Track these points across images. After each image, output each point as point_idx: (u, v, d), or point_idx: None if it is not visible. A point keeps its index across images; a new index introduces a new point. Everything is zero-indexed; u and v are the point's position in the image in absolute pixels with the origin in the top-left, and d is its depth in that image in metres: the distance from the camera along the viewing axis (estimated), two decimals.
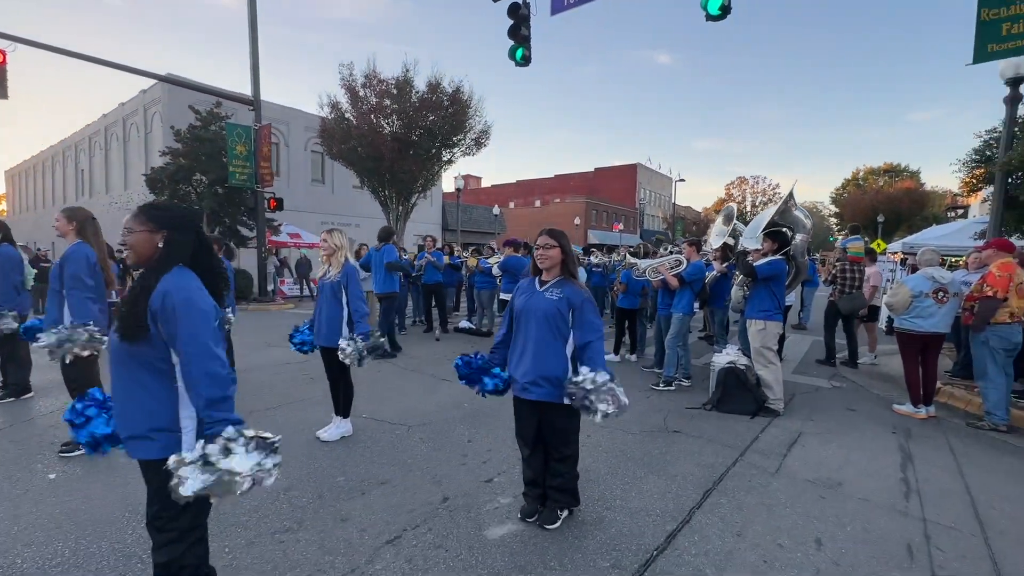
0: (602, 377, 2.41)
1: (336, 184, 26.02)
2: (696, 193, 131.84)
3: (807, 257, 4.99)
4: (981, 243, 8.66)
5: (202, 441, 1.51)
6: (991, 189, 8.40)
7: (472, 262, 9.48)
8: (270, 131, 14.63)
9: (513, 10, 8.48)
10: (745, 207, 57.43)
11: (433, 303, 9.41)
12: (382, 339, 3.68)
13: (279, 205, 14.60)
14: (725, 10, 6.53)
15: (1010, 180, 7.86)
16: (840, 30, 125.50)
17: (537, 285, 2.65)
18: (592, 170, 53.92)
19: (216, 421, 1.53)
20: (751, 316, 4.89)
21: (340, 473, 3.29)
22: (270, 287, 15.32)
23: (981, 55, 5.49)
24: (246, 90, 14.26)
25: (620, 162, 53.46)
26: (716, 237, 6.18)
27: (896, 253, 12.66)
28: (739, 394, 4.88)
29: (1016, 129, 7.79)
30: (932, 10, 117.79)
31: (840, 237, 45.61)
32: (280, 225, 18.05)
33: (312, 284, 18.33)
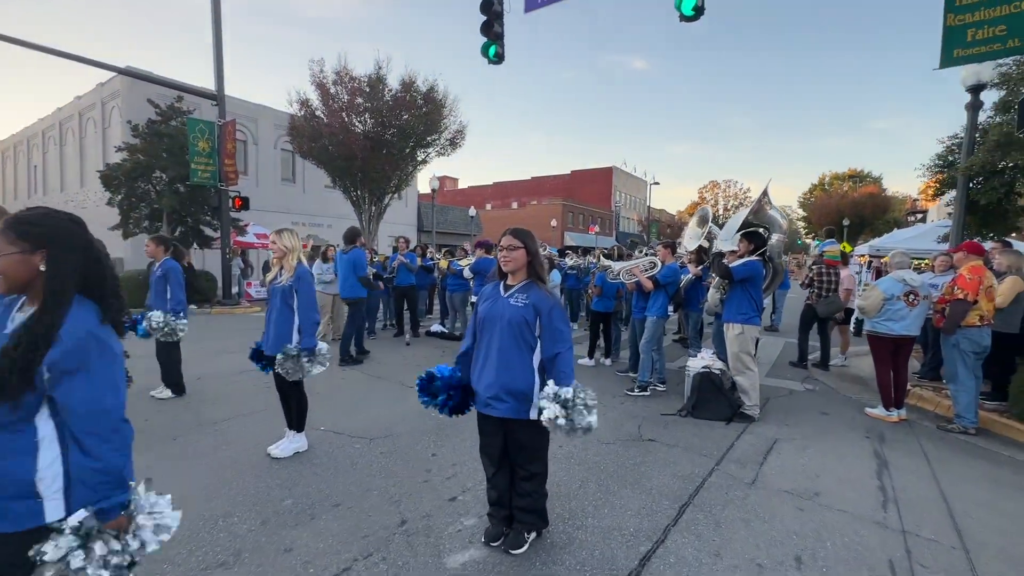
0: (568, 394, 2.22)
1: (307, 183, 25.33)
2: (670, 196, 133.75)
3: (782, 259, 4.91)
4: (946, 246, 8.87)
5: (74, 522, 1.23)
6: (954, 193, 8.61)
7: (444, 264, 9.22)
8: (235, 127, 14.06)
9: (486, 6, 8.28)
10: (718, 211, 58.58)
11: (405, 306, 9.12)
12: (308, 365, 3.50)
13: (245, 204, 14.04)
14: (698, 11, 6.49)
15: (972, 184, 8.05)
16: (807, 41, 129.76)
17: (502, 290, 2.44)
18: (568, 173, 54.14)
19: (99, 498, 1.27)
20: (728, 320, 4.79)
21: (288, 495, 3.01)
22: (235, 289, 14.71)
23: (948, 60, 5.55)
24: (212, 86, 13.68)
25: (596, 165, 53.85)
26: (690, 239, 6.09)
27: (863, 256, 12.94)
28: (714, 399, 4.77)
29: (977, 135, 8.00)
30: (894, 26, 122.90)
31: (808, 240, 46.96)
32: (247, 225, 17.42)
33: None
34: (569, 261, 10.46)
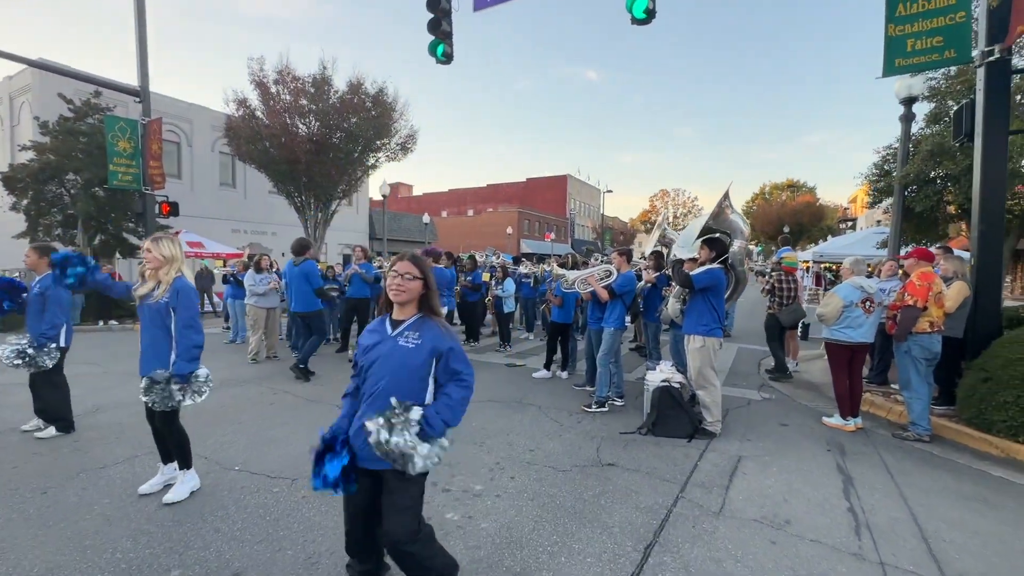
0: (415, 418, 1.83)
1: (249, 188, 23.88)
2: (623, 204, 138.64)
3: (745, 266, 4.74)
4: (884, 252, 9.19)
5: None
6: (891, 200, 8.94)
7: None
8: (160, 126, 12.89)
9: (433, 4, 7.90)
10: (668, 218, 60.48)
11: (354, 319, 8.52)
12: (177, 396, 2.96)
13: (173, 210, 12.83)
14: (650, 13, 6.39)
15: (907, 193, 8.36)
16: (748, 57, 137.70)
17: (389, 327, 2.01)
18: (524, 180, 54.30)
19: None
20: (689, 332, 4.55)
21: (177, 563, 2.44)
22: None
23: (889, 68, 5.62)
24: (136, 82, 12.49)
25: (551, 173, 54.31)
26: (649, 244, 5.88)
27: (805, 262, 13.37)
28: (674, 415, 4.52)
29: (911, 145, 8.33)
30: (824, 50, 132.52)
31: (752, 247, 49.21)
32: (178, 233, 16.10)
33: (217, 298, 16.48)
34: (523, 269, 10.15)
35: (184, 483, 3.09)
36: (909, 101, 8.06)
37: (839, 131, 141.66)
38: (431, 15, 7.93)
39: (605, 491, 3.33)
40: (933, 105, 8.59)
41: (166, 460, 3.27)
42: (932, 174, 7.94)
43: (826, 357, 5.12)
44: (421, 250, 7.47)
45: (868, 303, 4.60)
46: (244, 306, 8.35)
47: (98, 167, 12.59)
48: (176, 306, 2.92)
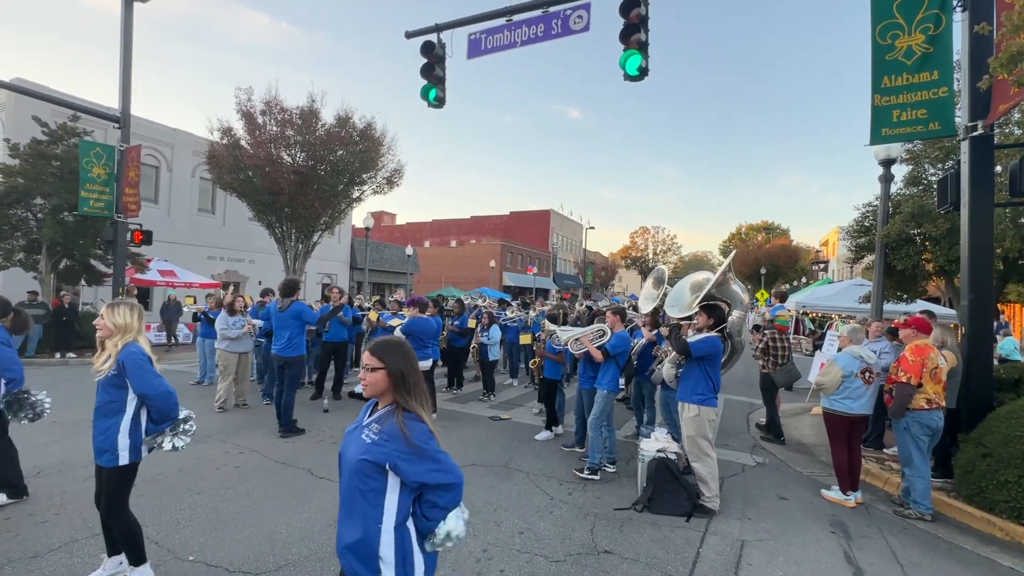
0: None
1: (228, 215, 23.36)
2: (604, 239, 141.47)
3: (741, 337, 4.63)
4: (867, 307, 9.29)
5: None
6: (871, 258, 9.10)
7: (374, 316, 8.37)
8: (140, 153, 12.57)
9: (427, 49, 7.93)
10: (647, 255, 61.57)
11: (331, 364, 8.16)
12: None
13: (146, 239, 12.39)
14: (643, 71, 6.48)
15: (888, 250, 8.51)
16: (721, 101, 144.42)
17: (366, 413, 1.81)
18: (507, 213, 54.79)
19: None
20: (683, 399, 4.38)
21: None
22: None
23: (876, 137, 5.74)
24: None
25: (534, 207, 55.02)
26: (645, 301, 5.76)
27: (790, 310, 13.50)
28: (671, 490, 4.28)
29: (890, 204, 8.54)
30: (798, 99, 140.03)
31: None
32: (149, 261, 15.52)
33: (188, 329, 15.75)
34: (509, 313, 9.94)
35: None
36: (888, 163, 8.30)
37: (810, 174, 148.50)
38: (424, 60, 7.93)
39: None
40: (911, 167, 8.86)
41: (112, 551, 2.87)
42: (913, 233, 8.11)
43: (824, 425, 4.99)
44: (407, 300, 7.19)
45: (868, 373, 4.50)
46: (214, 346, 7.91)
47: (69, 192, 12.14)
48: (127, 373, 2.62)
